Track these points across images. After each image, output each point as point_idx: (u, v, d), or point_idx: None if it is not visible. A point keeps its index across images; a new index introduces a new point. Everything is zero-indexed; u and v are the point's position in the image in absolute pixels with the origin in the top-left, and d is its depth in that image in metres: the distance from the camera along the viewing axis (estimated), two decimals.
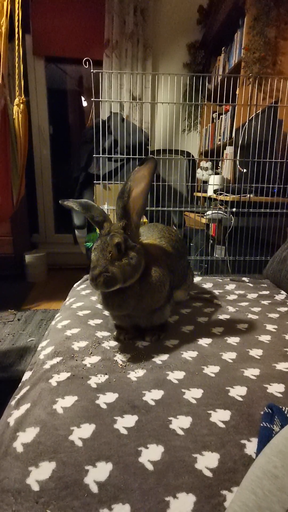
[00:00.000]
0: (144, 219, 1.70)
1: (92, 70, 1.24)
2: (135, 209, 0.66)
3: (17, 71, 1.48)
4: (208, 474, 0.40)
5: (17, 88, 1.47)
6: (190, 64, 2.76)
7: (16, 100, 1.51)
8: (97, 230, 0.68)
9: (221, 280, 1.23)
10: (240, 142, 1.75)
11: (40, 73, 2.82)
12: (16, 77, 1.47)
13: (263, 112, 1.63)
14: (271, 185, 1.58)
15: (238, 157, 1.74)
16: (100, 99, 1.38)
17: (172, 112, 2.70)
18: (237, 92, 2.03)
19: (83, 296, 1.01)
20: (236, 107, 2.11)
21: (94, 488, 0.38)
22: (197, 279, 1.24)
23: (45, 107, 2.90)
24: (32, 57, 2.75)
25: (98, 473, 0.40)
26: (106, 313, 0.85)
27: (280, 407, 0.50)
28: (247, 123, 1.72)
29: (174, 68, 2.76)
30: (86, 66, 1.18)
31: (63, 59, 2.91)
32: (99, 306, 0.91)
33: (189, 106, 2.76)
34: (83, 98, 3.21)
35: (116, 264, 0.62)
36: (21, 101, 1.51)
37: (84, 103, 3.22)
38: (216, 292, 1.09)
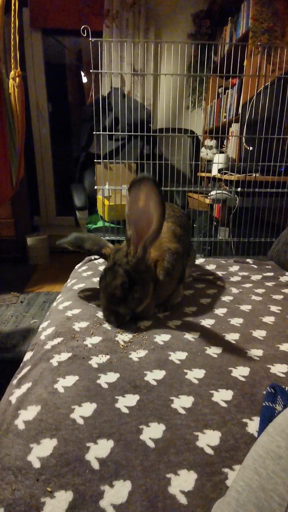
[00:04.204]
0: None
1: (90, 39, 1.16)
2: (141, 242, 0.60)
3: (12, 42, 1.40)
4: (210, 451, 0.40)
5: (12, 60, 1.40)
6: (195, 34, 2.61)
7: (12, 73, 1.43)
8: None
9: (224, 262, 1.21)
10: (246, 118, 1.68)
11: (37, 47, 2.69)
12: (12, 48, 1.39)
13: (272, 84, 1.55)
14: (278, 164, 1.52)
15: (244, 134, 1.68)
16: (100, 70, 1.31)
17: (175, 86, 2.59)
18: (244, 64, 1.92)
19: (84, 278, 1.00)
20: (243, 81, 2.01)
21: (95, 465, 0.38)
22: (200, 260, 1.22)
23: (43, 84, 2.79)
24: (29, 30, 2.61)
25: (99, 450, 0.40)
26: None
27: (283, 387, 0.50)
28: (254, 97, 1.64)
29: (178, 39, 2.62)
30: (84, 34, 1.10)
31: (61, 31, 2.77)
32: None
33: (193, 82, 2.63)
34: (82, 74, 3.08)
35: (122, 305, 0.66)
36: (16, 74, 1.43)
37: (84, 79, 3.09)
38: (220, 273, 1.08)
